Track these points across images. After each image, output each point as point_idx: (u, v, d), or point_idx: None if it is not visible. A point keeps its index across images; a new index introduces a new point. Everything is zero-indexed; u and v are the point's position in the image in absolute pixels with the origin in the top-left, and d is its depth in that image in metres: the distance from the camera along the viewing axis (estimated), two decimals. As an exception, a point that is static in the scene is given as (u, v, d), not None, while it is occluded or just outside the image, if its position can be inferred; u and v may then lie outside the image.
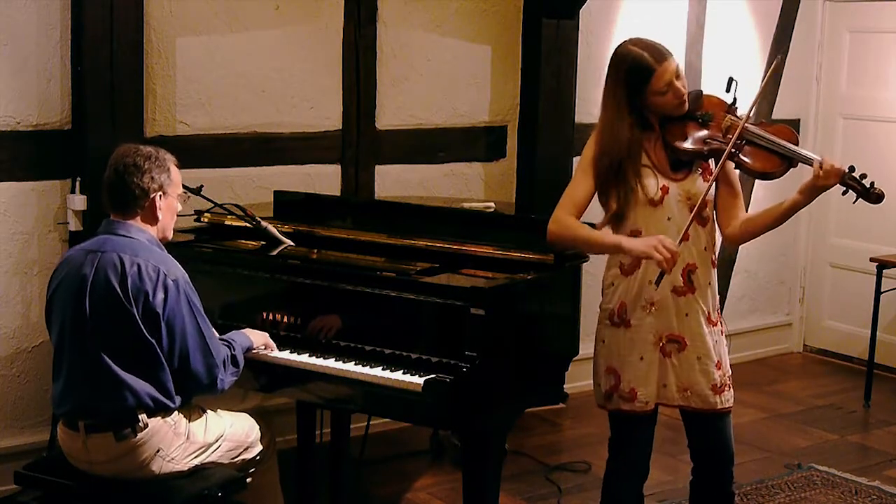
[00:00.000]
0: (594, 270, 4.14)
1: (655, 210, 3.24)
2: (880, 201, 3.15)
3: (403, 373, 3.30)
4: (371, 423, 4.56)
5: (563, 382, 3.71)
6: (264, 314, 3.65)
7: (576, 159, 5.32)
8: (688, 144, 3.23)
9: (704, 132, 3.25)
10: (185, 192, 3.42)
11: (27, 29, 4.16)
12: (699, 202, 3.22)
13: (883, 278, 5.79)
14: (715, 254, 3.37)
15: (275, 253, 3.84)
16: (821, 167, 3.10)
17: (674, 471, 4.67)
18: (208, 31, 4.57)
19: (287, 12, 4.75)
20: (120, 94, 4.26)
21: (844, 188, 3.15)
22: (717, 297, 3.39)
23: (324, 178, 4.92)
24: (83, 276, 3.15)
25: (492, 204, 4.37)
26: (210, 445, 3.32)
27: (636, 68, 3.17)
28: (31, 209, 4.27)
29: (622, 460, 3.44)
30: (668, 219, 3.24)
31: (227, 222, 4.10)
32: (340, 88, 4.92)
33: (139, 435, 3.15)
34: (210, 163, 4.59)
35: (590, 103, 5.65)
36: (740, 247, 6.27)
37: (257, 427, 3.51)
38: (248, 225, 3.94)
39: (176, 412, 3.23)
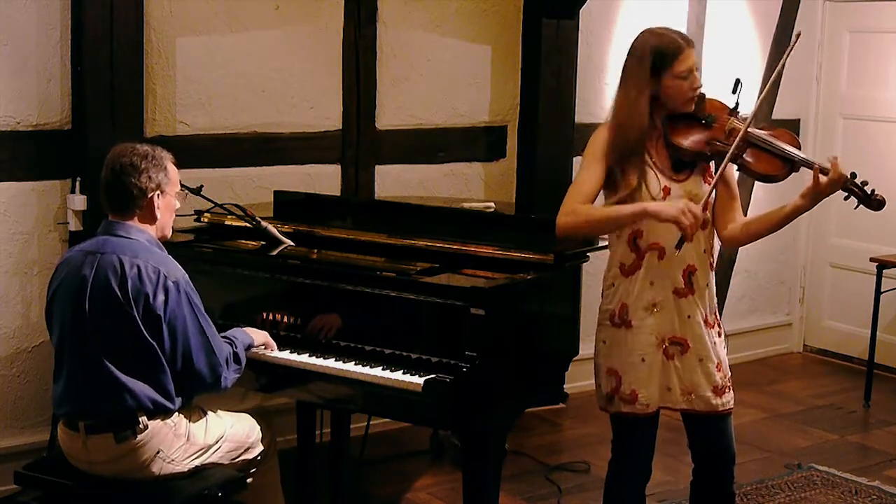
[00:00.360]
0: (594, 270, 4.14)
1: None
2: (881, 208, 3.17)
3: (403, 373, 3.30)
4: (371, 423, 4.55)
5: (563, 382, 3.71)
6: (264, 314, 3.65)
7: (576, 159, 5.37)
8: (691, 145, 3.24)
9: (707, 133, 3.26)
10: (183, 191, 3.42)
11: (27, 29, 4.16)
12: (702, 205, 3.22)
13: (883, 278, 5.79)
14: (713, 256, 3.37)
15: (275, 253, 3.84)
16: (821, 171, 3.11)
17: (674, 471, 4.67)
18: (208, 31, 4.57)
19: (287, 12, 4.75)
20: (120, 94, 4.26)
21: (847, 194, 3.17)
22: (715, 299, 3.39)
23: (324, 178, 4.92)
24: (83, 277, 3.14)
25: (492, 204, 4.37)
26: (210, 447, 3.32)
27: (664, 46, 3.20)
28: (31, 209, 4.27)
29: (624, 462, 3.44)
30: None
31: (227, 222, 4.10)
32: (340, 88, 4.92)
33: (139, 436, 3.14)
34: (210, 163, 4.59)
35: (590, 103, 5.67)
36: (740, 247, 6.26)
37: (258, 427, 3.51)
38: (248, 225, 3.94)
39: (176, 413, 3.23)
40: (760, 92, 6.05)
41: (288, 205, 4.37)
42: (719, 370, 3.33)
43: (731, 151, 3.18)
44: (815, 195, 3.15)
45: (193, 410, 3.34)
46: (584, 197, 3.22)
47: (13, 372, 4.33)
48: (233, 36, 4.63)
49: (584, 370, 4.24)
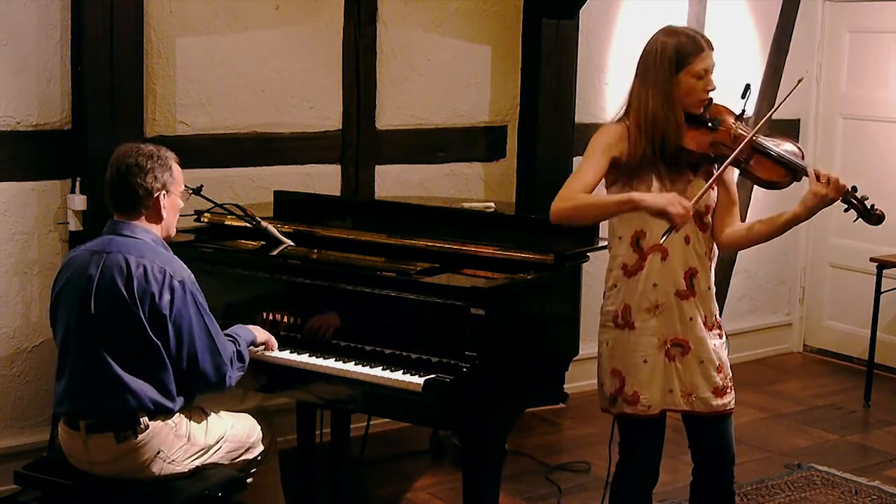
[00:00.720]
0: (594, 270, 4.14)
1: None
2: (880, 222, 3.20)
3: (403, 373, 3.30)
4: (371, 423, 4.56)
5: (563, 382, 3.71)
6: (264, 314, 3.65)
7: (576, 159, 5.37)
8: (696, 147, 3.24)
9: (713, 137, 3.26)
10: (187, 191, 3.43)
11: (27, 29, 4.16)
12: (703, 207, 3.25)
13: (883, 278, 5.79)
14: (713, 259, 3.37)
15: (275, 253, 3.84)
16: (819, 179, 3.12)
17: (674, 471, 4.67)
18: (208, 31, 4.57)
19: (287, 12, 4.75)
20: (120, 94, 4.26)
21: (846, 206, 3.18)
22: (716, 301, 3.39)
23: (324, 178, 4.92)
24: (89, 276, 3.15)
25: (492, 204, 4.37)
26: (211, 447, 3.32)
27: (685, 44, 3.20)
28: (31, 209, 4.27)
29: (628, 463, 3.43)
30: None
31: (227, 222, 4.10)
32: (340, 88, 4.92)
33: (140, 436, 3.14)
34: (210, 163, 4.59)
35: (590, 103, 5.67)
36: (738, 251, 6.26)
37: (258, 428, 3.51)
38: (248, 225, 3.94)
39: (177, 414, 3.23)
40: (768, 108, 6.07)
41: (288, 205, 4.37)
42: (720, 371, 3.33)
43: (733, 156, 3.19)
44: (814, 205, 3.16)
45: (194, 411, 3.34)
46: (581, 186, 3.20)
47: (13, 372, 4.33)
48: (233, 36, 4.63)
49: (584, 370, 4.25)
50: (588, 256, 3.74)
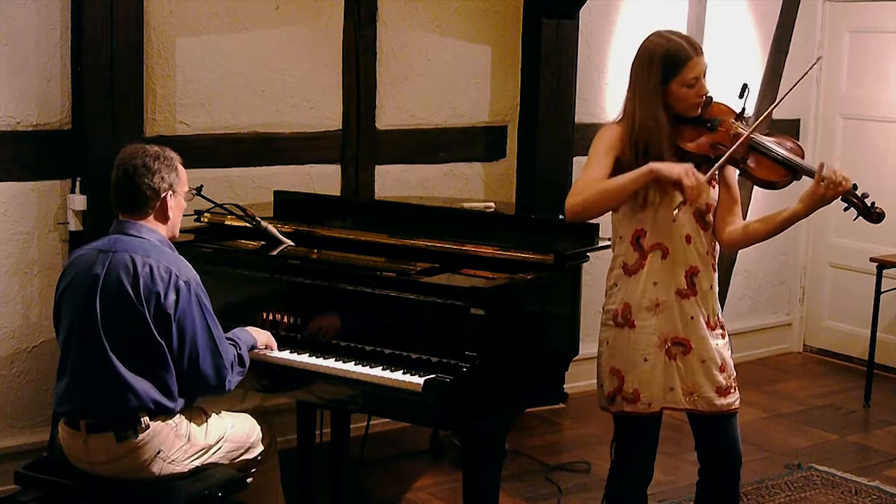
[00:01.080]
0: (594, 270, 4.15)
1: (660, 210, 3.25)
2: (880, 220, 3.20)
3: (403, 373, 3.30)
4: (371, 423, 4.56)
5: (563, 382, 3.71)
6: (264, 314, 3.65)
7: (576, 159, 5.38)
8: (695, 147, 3.24)
9: (712, 137, 3.26)
10: (189, 191, 3.43)
11: (27, 29, 4.16)
12: (705, 206, 3.26)
13: (883, 278, 5.79)
14: (715, 258, 3.38)
15: (275, 253, 3.84)
16: (823, 178, 3.12)
17: (674, 471, 4.67)
18: (208, 31, 4.57)
19: (287, 12, 4.75)
20: (120, 94, 4.26)
21: (846, 204, 3.18)
22: (718, 300, 3.39)
23: (324, 178, 4.92)
24: (94, 275, 3.15)
25: (492, 204, 4.37)
26: (211, 447, 3.32)
27: (673, 53, 3.19)
28: (31, 209, 4.27)
29: (626, 461, 3.43)
30: (674, 220, 3.25)
31: (227, 222, 4.10)
32: (340, 88, 4.92)
33: (140, 436, 3.14)
34: (210, 163, 4.59)
35: (590, 103, 5.67)
36: (739, 250, 6.26)
37: (258, 427, 3.51)
38: (248, 225, 3.94)
39: (178, 414, 3.23)
40: (768, 108, 6.07)
41: (288, 205, 4.37)
42: (723, 371, 3.33)
43: (728, 153, 3.19)
44: (814, 202, 3.16)
45: (194, 411, 3.34)
46: (592, 181, 3.20)
47: (13, 372, 4.33)
48: (233, 36, 4.63)
49: (584, 370, 4.25)
50: (588, 256, 3.74)
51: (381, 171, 5.08)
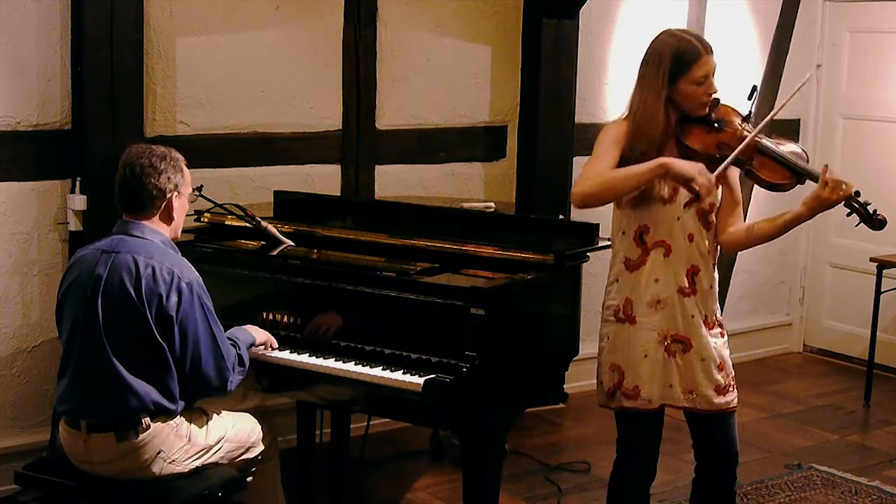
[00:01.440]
0: (594, 270, 4.15)
1: (665, 208, 3.26)
2: (882, 227, 3.22)
3: (403, 373, 3.30)
4: (371, 423, 4.55)
5: (563, 382, 3.71)
6: (264, 314, 3.65)
7: (576, 159, 5.38)
8: (701, 147, 3.25)
9: (718, 137, 3.27)
10: (193, 192, 3.43)
11: (27, 29, 4.16)
12: (708, 206, 3.26)
13: (883, 278, 5.79)
14: (715, 258, 3.38)
15: (275, 253, 3.84)
16: (826, 183, 3.12)
17: (674, 471, 4.67)
18: (208, 31, 4.57)
19: (287, 12, 4.75)
20: (120, 94, 4.25)
21: (849, 210, 3.19)
22: (717, 300, 3.39)
23: (324, 178, 4.92)
24: (97, 276, 3.15)
25: (492, 204, 4.37)
26: (211, 447, 3.32)
27: (683, 50, 3.19)
28: (31, 209, 4.27)
29: (627, 459, 3.44)
30: (678, 218, 3.26)
31: (227, 222, 4.10)
32: (340, 88, 4.92)
33: (141, 436, 3.14)
34: (210, 163, 4.59)
35: (590, 103, 5.67)
36: (740, 251, 6.26)
37: (258, 427, 3.51)
38: (248, 225, 3.94)
39: (178, 415, 3.23)
40: (768, 108, 6.07)
41: (288, 205, 4.37)
42: (721, 370, 3.33)
43: (734, 154, 3.19)
44: (818, 205, 3.17)
45: (195, 411, 3.34)
46: (599, 170, 3.19)
47: (13, 372, 4.33)
48: (233, 36, 4.63)
49: (584, 370, 4.25)
50: (588, 256, 3.74)
51: (381, 171, 5.08)
